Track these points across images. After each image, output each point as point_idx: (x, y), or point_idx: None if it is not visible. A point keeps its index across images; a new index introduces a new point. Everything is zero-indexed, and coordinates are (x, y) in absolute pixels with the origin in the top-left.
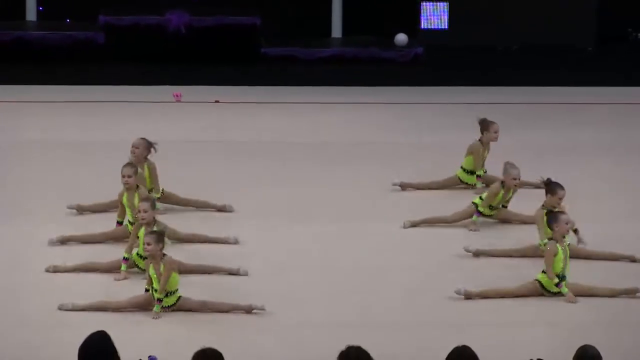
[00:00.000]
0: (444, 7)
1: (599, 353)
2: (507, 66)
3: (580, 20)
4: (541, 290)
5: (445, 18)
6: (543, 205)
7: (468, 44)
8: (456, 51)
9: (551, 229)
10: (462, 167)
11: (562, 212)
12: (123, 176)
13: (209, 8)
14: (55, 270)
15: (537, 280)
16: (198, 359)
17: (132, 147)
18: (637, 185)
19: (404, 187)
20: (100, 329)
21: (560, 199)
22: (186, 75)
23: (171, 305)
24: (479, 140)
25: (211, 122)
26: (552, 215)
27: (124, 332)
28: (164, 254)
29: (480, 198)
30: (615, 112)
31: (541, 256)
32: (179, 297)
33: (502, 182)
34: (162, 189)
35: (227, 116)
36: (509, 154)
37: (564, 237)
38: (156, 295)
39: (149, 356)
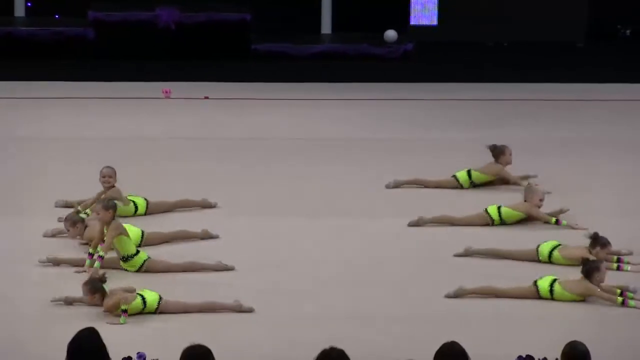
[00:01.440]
0: (433, 3)
1: (587, 349)
2: (496, 63)
3: (570, 16)
4: (537, 296)
5: (435, 14)
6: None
7: (458, 41)
8: (446, 47)
9: (592, 279)
10: (470, 177)
11: (601, 261)
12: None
13: (199, 4)
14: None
15: (536, 285)
16: (187, 355)
17: (106, 177)
18: (626, 182)
19: (397, 186)
20: (89, 325)
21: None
22: (176, 72)
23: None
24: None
25: (201, 118)
26: (592, 266)
27: (112, 329)
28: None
29: (499, 208)
30: (605, 109)
31: (534, 260)
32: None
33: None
34: (147, 201)
35: (216, 113)
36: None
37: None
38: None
39: (138, 353)
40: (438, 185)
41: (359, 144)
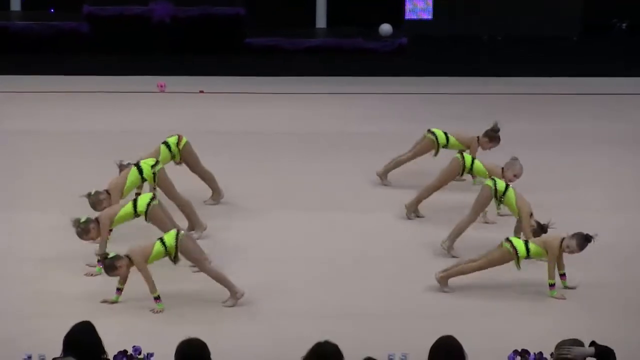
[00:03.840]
0: None
1: (581, 342)
2: (491, 57)
3: (565, 10)
4: (515, 256)
5: (430, 8)
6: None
7: (452, 35)
8: (440, 41)
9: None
10: (447, 138)
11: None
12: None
13: None
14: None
15: (508, 244)
16: (182, 349)
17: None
18: (615, 177)
19: (384, 175)
20: (85, 319)
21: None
22: (170, 66)
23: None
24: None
25: (195, 112)
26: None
27: (108, 322)
28: (126, 256)
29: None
30: (599, 103)
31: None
32: (176, 246)
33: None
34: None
35: (211, 106)
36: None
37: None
38: (152, 295)
39: (133, 347)
40: (416, 154)
41: (353, 137)
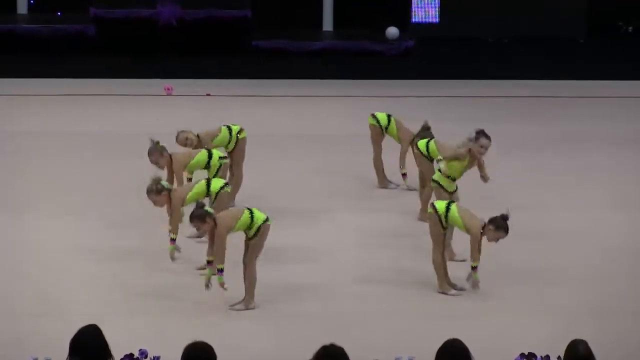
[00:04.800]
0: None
1: (590, 351)
2: (497, 59)
3: (570, 12)
4: (438, 218)
5: (436, 11)
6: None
7: (459, 37)
8: (447, 44)
9: (486, 229)
10: (388, 121)
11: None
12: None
13: (200, 1)
14: None
15: (431, 209)
16: (189, 351)
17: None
18: (618, 178)
19: (383, 182)
20: (91, 321)
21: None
22: (177, 68)
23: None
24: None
25: (202, 115)
26: (499, 223)
27: (115, 325)
28: (213, 221)
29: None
30: (605, 105)
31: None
32: (260, 226)
33: (470, 151)
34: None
35: (218, 109)
36: (497, 145)
37: None
38: (218, 267)
39: (140, 350)
40: (377, 146)
41: (359, 139)
